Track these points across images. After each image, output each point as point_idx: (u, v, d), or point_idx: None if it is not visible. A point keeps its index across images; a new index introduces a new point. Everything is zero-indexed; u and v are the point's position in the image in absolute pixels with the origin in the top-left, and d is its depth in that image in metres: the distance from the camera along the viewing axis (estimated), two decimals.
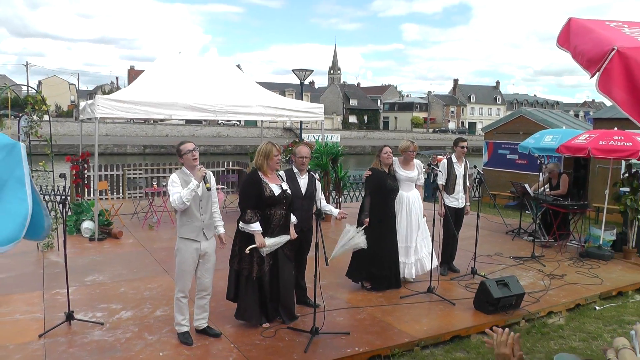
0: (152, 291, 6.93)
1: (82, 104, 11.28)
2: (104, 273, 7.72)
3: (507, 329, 2.83)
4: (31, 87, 9.06)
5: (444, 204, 7.70)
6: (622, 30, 2.56)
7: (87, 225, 10.03)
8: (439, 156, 15.95)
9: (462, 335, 5.90)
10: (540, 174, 10.96)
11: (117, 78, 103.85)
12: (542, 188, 10.61)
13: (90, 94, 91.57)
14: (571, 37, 2.69)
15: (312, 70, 17.29)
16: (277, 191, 5.48)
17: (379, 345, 5.38)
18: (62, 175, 7.31)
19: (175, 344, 5.26)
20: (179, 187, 5.02)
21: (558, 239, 9.92)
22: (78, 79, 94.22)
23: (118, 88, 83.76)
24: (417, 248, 7.32)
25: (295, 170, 6.14)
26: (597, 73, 2.17)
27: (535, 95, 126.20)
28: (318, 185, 6.29)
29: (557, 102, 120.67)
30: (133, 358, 4.93)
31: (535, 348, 5.71)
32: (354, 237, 6.49)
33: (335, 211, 6.47)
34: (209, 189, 5.18)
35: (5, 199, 2.54)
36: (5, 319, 5.93)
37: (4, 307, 6.32)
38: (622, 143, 8.63)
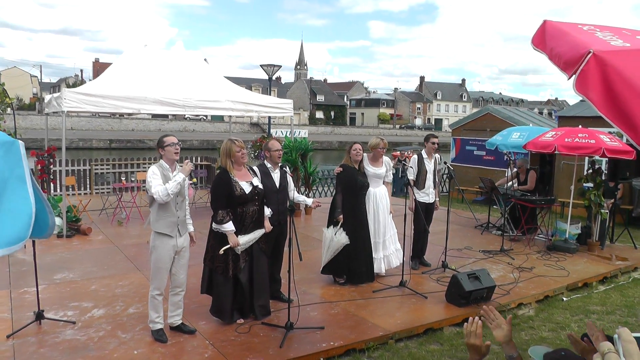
0: (124, 288, 6.84)
1: (47, 97, 11.03)
2: (74, 270, 7.58)
3: (476, 319, 2.90)
4: None
5: (415, 199, 7.78)
6: (595, 34, 2.64)
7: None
8: (406, 152, 16.15)
9: (435, 328, 5.99)
10: (508, 169, 11.21)
11: (81, 70, 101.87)
12: (510, 183, 10.83)
13: (53, 87, 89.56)
14: (547, 39, 2.75)
15: (281, 66, 17.26)
16: (247, 189, 5.45)
17: (353, 339, 5.42)
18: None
19: (149, 341, 5.20)
20: (160, 180, 4.98)
21: (526, 232, 10.13)
22: (40, 71, 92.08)
23: (83, 81, 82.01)
24: (384, 244, 7.39)
25: (268, 165, 6.14)
26: (574, 75, 2.23)
27: (500, 93, 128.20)
28: (289, 177, 6.33)
29: (522, 100, 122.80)
30: (107, 357, 4.86)
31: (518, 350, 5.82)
32: (335, 238, 6.61)
33: (309, 200, 6.64)
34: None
35: (8, 199, 2.47)
36: None
37: None
38: (586, 140, 8.90)
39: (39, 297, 5.75)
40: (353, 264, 6.99)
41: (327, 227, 6.96)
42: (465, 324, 2.90)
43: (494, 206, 12.13)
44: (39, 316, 5.58)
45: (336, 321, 5.90)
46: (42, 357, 4.86)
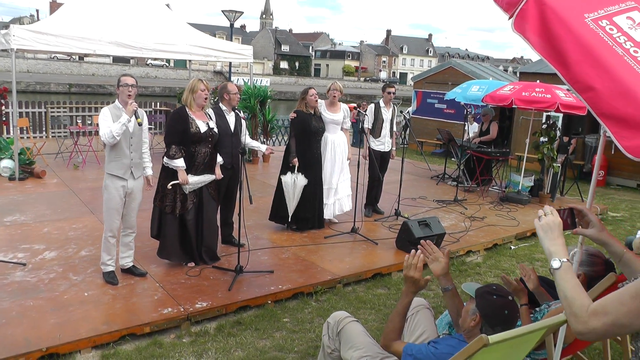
0: (77, 231, 6.80)
1: None
2: (26, 213, 7.49)
3: (419, 252, 2.99)
4: None
5: (369, 147, 7.86)
6: None
7: (6, 164, 9.63)
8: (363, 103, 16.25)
9: (384, 273, 6.16)
10: (467, 123, 11.35)
11: (37, 11, 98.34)
12: (472, 134, 11.00)
13: (6, 27, 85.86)
14: None
15: (242, 12, 16.91)
16: (203, 128, 5.44)
17: (302, 283, 5.54)
18: None
19: (100, 283, 5.22)
20: (110, 121, 4.91)
21: (480, 184, 10.37)
22: None
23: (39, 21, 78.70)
24: (337, 189, 7.48)
25: (224, 107, 6.11)
26: (514, 14, 2.26)
27: (467, 49, 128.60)
28: (243, 122, 6.31)
29: (488, 57, 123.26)
30: (57, 298, 4.86)
31: (453, 283, 6.03)
32: (294, 182, 6.65)
33: (262, 147, 6.71)
34: (140, 124, 5.09)
35: None
36: None
37: None
38: (542, 95, 9.05)
39: None
40: (300, 210, 7.04)
41: (283, 173, 6.99)
42: (407, 255, 2.99)
43: (453, 158, 12.33)
44: None
45: (286, 265, 6.00)
46: None
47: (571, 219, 2.20)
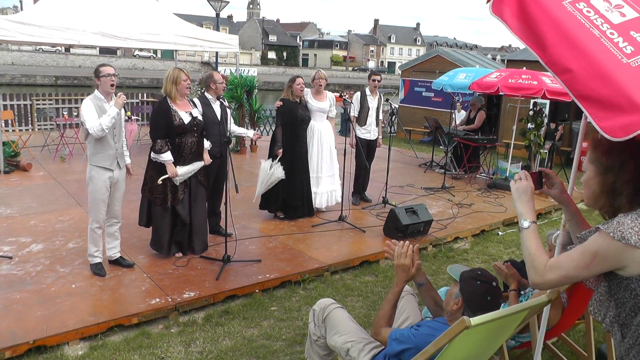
0: (64, 224, 6.77)
1: None
2: (12, 206, 7.44)
3: (406, 242, 3.02)
4: None
5: (355, 135, 7.86)
6: None
7: None
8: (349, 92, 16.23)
9: (371, 261, 6.19)
10: (455, 111, 11.37)
11: (20, 2, 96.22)
12: (458, 124, 11.02)
13: None
14: None
15: (228, 2, 16.74)
16: (186, 119, 5.40)
17: (289, 272, 5.56)
18: None
19: (88, 275, 5.22)
20: (94, 113, 4.86)
21: (468, 171, 10.40)
22: None
23: None
24: (329, 178, 7.49)
25: (209, 96, 6.09)
26: None
27: (455, 38, 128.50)
28: (228, 111, 6.30)
29: (476, 46, 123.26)
30: (44, 290, 4.85)
31: (441, 270, 6.09)
32: (271, 171, 6.65)
33: (250, 132, 6.74)
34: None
35: None
36: None
37: None
38: (528, 82, 9.09)
39: None
40: (289, 198, 7.07)
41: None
42: (396, 246, 3.02)
43: (441, 147, 12.37)
44: None
45: (273, 254, 6.02)
46: None
47: (539, 181, 2.44)
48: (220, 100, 6.02)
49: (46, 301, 4.64)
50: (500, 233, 7.61)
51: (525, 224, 2.16)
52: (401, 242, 3.05)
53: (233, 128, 6.47)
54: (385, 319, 2.96)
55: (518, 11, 2.16)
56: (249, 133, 6.72)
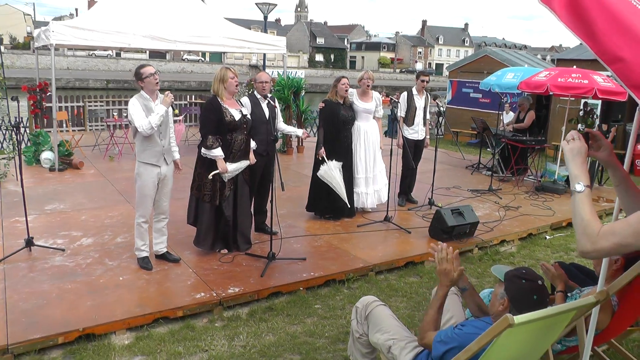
0: (113, 219, 6.95)
1: (36, 31, 10.87)
2: (65, 202, 7.69)
3: (445, 245, 2.99)
4: None
5: (403, 135, 7.81)
6: None
7: (46, 155, 9.90)
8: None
9: (416, 262, 6.12)
10: (503, 112, 11.16)
11: (76, 10, 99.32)
12: (506, 124, 10.81)
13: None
14: None
15: (276, 5, 16.92)
16: (237, 116, 5.47)
17: (334, 270, 5.55)
18: (14, 98, 7.02)
19: (135, 268, 5.34)
20: (141, 112, 4.98)
21: (515, 173, 10.19)
22: (34, 9, 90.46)
23: None
24: (375, 178, 7.46)
25: (258, 95, 6.15)
26: None
27: (503, 38, 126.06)
28: (277, 109, 6.35)
29: (525, 46, 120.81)
30: (93, 282, 5.00)
31: (486, 272, 5.98)
32: (330, 169, 6.65)
33: (299, 131, 6.74)
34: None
35: None
36: None
37: None
38: (579, 81, 8.83)
39: (30, 225, 5.85)
40: (334, 199, 7.02)
41: (315, 167, 6.97)
42: (435, 252, 2.99)
43: (488, 149, 12.16)
44: (29, 243, 5.70)
45: (318, 253, 6.02)
46: (31, 281, 5.00)
47: (586, 142, 2.31)
48: (269, 99, 6.07)
49: (95, 292, 4.78)
50: (547, 237, 7.41)
51: (580, 187, 2.04)
52: (440, 246, 3.02)
53: (282, 127, 6.52)
54: (431, 324, 2.92)
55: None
56: (297, 132, 6.74)
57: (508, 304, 2.68)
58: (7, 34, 76.69)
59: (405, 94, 8.09)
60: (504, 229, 7.26)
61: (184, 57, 68.81)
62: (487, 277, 5.87)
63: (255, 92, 6.21)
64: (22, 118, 10.74)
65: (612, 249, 1.88)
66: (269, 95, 6.10)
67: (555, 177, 9.72)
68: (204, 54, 70.97)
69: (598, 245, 1.87)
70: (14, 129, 6.03)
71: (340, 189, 6.72)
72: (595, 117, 9.79)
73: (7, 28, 78.25)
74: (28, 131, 11.53)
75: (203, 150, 5.45)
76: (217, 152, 5.37)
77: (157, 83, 5.08)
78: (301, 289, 5.23)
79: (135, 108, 4.99)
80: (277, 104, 6.35)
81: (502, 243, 7.00)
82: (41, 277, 5.09)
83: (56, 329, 4.11)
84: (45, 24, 10.06)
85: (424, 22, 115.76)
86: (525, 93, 10.91)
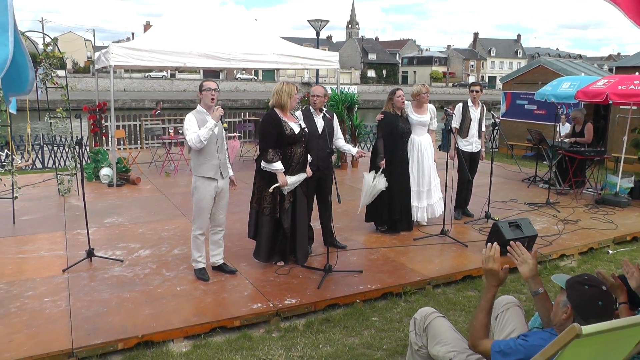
0: (170, 232, 7.10)
1: (96, 54, 11.28)
2: (123, 215, 7.91)
3: (495, 244, 2.90)
4: (47, 35, 8.98)
5: (457, 147, 7.69)
6: None
7: (105, 172, 10.22)
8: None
9: (474, 275, 5.97)
10: (559, 124, 10.83)
11: (132, 34, 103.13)
12: (562, 135, 10.48)
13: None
14: None
15: (328, 21, 17.06)
16: (296, 129, 5.51)
17: (391, 283, 5.48)
18: (78, 116, 7.35)
19: (192, 279, 5.42)
20: (195, 127, 5.08)
21: (574, 186, 9.87)
22: (94, 35, 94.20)
23: None
24: (428, 192, 7.37)
25: (312, 110, 6.16)
26: None
27: (557, 48, 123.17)
28: (336, 123, 6.36)
29: (580, 56, 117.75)
30: (151, 292, 5.10)
31: (546, 288, 5.75)
32: (374, 183, 6.61)
33: (353, 150, 6.66)
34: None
35: None
36: (32, 255, 6.21)
37: (29, 245, 6.60)
38: None
39: (90, 238, 6.10)
40: (391, 212, 6.99)
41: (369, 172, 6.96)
42: (484, 249, 2.92)
43: (544, 162, 11.85)
44: (90, 254, 5.92)
45: (375, 266, 5.97)
46: (92, 289, 5.16)
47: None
48: (324, 113, 6.08)
49: (153, 301, 4.88)
50: (610, 252, 7.11)
51: None
52: (488, 245, 2.94)
53: (340, 143, 6.49)
54: (481, 328, 2.84)
55: None
56: (352, 150, 6.64)
57: (571, 312, 2.57)
58: (69, 59, 79.97)
59: (460, 105, 7.99)
60: (564, 243, 7.03)
61: (237, 77, 70.07)
62: (547, 291, 5.65)
63: (310, 107, 6.23)
64: (82, 136, 11.18)
65: None
66: (324, 109, 6.12)
67: (617, 189, 9.35)
68: (256, 73, 72.14)
69: None
70: (77, 145, 6.27)
71: (364, 200, 6.71)
72: None
73: (70, 54, 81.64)
74: (88, 149, 11.92)
75: (263, 163, 5.49)
76: (278, 166, 5.40)
77: (212, 99, 5.19)
78: (358, 301, 5.18)
79: (189, 122, 5.12)
80: (334, 118, 6.34)
81: (561, 257, 6.76)
82: (101, 286, 5.25)
83: (116, 335, 4.22)
84: (104, 48, 10.46)
85: (476, 34, 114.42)
86: (581, 104, 10.58)
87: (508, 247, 3.04)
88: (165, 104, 46.08)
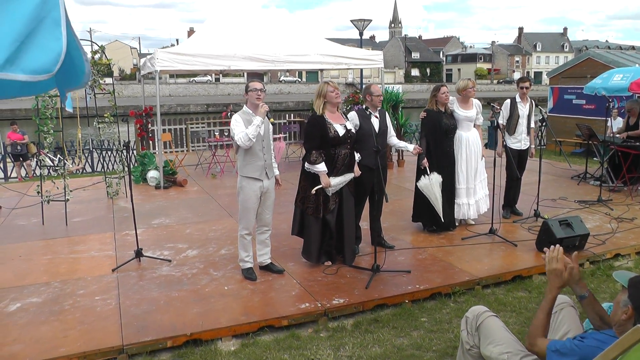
0: (217, 232, 7.17)
1: (142, 60, 11.51)
2: (170, 217, 8.04)
3: (557, 245, 2.82)
4: (95, 43, 9.19)
5: (505, 144, 7.53)
6: None
7: (152, 174, 10.42)
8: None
9: (524, 276, 5.83)
10: (610, 118, 10.43)
11: (177, 40, 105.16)
12: (615, 131, 10.11)
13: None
14: None
15: (371, 20, 17.03)
16: (341, 131, 5.47)
17: (439, 283, 5.40)
18: (126, 120, 7.53)
19: (239, 279, 5.45)
20: (242, 126, 5.11)
21: (628, 182, 9.52)
22: (139, 43, 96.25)
23: None
24: (475, 189, 7.23)
25: (369, 109, 6.05)
26: None
27: (607, 40, 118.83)
28: (388, 121, 6.32)
29: (633, 47, 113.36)
30: (199, 291, 5.16)
31: (600, 289, 5.58)
32: (431, 182, 6.53)
33: (410, 147, 6.63)
34: (273, 124, 5.28)
35: (41, 35, 2.53)
36: (82, 256, 6.39)
37: (80, 245, 6.80)
38: None
39: (139, 238, 6.22)
40: (431, 211, 6.85)
41: (417, 177, 6.85)
42: (547, 249, 2.84)
43: (594, 158, 11.49)
44: (139, 254, 6.04)
45: (423, 266, 5.89)
46: (141, 288, 5.26)
47: None
48: (382, 110, 5.99)
49: (201, 300, 4.93)
50: None
51: None
52: (552, 246, 2.85)
53: (394, 141, 6.46)
54: (540, 328, 2.75)
55: None
56: (408, 147, 6.62)
57: (632, 312, 2.46)
58: (116, 66, 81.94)
59: (508, 101, 7.81)
60: (618, 242, 6.77)
61: (281, 79, 70.55)
62: (601, 293, 5.47)
63: (365, 105, 6.09)
64: (130, 140, 11.42)
65: None
66: (378, 108, 6.06)
67: None
68: (300, 75, 72.49)
69: None
70: (124, 148, 6.40)
71: (438, 204, 6.58)
72: None
73: (117, 61, 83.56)
74: (135, 152, 12.17)
75: (306, 164, 5.49)
76: (321, 167, 5.39)
77: (258, 98, 5.19)
78: (406, 301, 5.12)
79: (236, 122, 5.15)
80: (387, 117, 6.30)
81: (616, 257, 6.50)
82: (150, 285, 5.34)
83: (165, 333, 4.29)
84: (150, 55, 10.68)
85: (521, 29, 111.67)
86: (636, 96, 10.17)
87: (545, 249, 2.94)
88: (210, 108, 46.91)
